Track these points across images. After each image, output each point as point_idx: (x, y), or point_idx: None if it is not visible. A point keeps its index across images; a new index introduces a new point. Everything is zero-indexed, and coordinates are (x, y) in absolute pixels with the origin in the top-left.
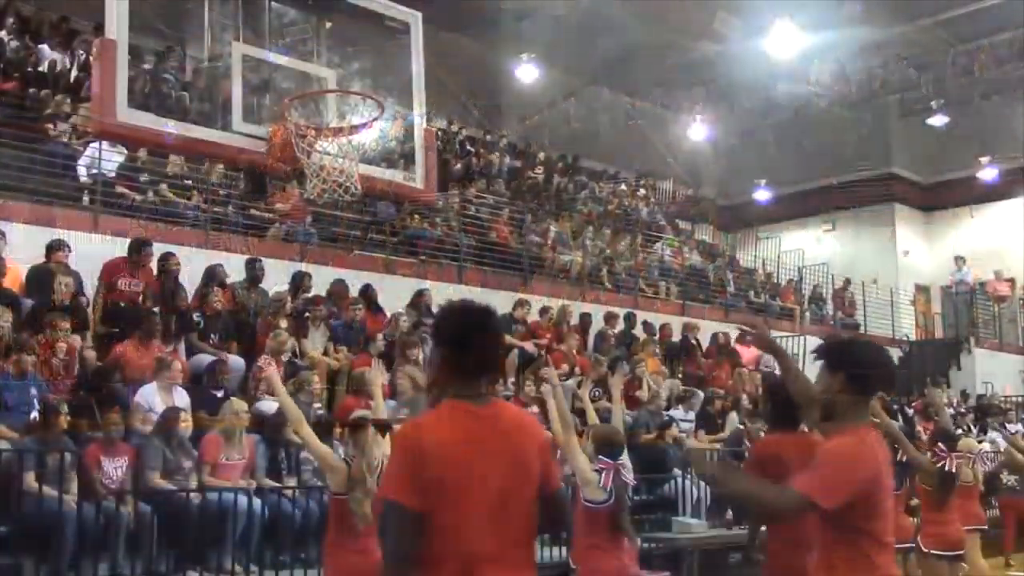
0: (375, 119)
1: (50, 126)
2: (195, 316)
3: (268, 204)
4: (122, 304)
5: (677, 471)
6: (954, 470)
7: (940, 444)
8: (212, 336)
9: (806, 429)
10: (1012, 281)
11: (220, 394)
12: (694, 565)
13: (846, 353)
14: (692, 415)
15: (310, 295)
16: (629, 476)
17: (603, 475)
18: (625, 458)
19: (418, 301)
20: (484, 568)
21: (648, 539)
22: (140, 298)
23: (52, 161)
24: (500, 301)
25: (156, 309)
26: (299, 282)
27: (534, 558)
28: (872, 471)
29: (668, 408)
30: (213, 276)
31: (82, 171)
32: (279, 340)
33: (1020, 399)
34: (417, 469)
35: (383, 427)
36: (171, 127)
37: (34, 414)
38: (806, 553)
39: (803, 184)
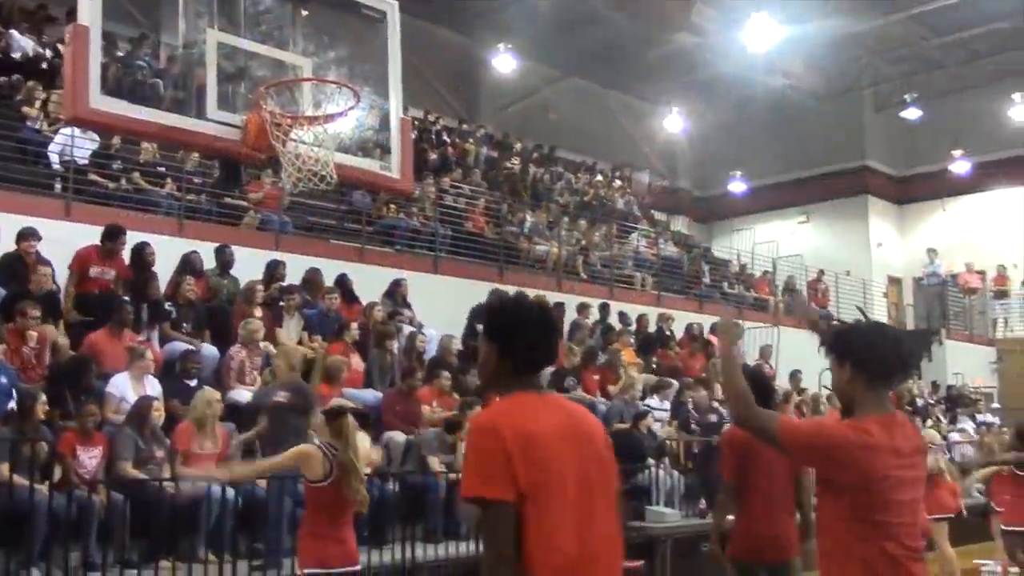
0: (351, 108)
1: (27, 109)
2: (168, 305)
3: (243, 193)
4: (95, 293)
5: (651, 460)
6: None
7: None
8: (185, 325)
9: None
10: (983, 273)
11: (193, 383)
12: (667, 554)
13: (849, 341)
14: (667, 404)
15: (284, 284)
16: None
17: None
18: None
19: (394, 291)
20: (583, 565)
21: (622, 528)
22: (112, 287)
23: (24, 148)
24: (475, 291)
25: (128, 298)
26: (273, 271)
27: (623, 554)
28: (854, 455)
29: (643, 398)
30: (188, 265)
31: (54, 158)
32: (250, 328)
33: (990, 390)
34: (510, 461)
35: (361, 416)
36: (145, 115)
37: (11, 404)
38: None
39: (778, 176)
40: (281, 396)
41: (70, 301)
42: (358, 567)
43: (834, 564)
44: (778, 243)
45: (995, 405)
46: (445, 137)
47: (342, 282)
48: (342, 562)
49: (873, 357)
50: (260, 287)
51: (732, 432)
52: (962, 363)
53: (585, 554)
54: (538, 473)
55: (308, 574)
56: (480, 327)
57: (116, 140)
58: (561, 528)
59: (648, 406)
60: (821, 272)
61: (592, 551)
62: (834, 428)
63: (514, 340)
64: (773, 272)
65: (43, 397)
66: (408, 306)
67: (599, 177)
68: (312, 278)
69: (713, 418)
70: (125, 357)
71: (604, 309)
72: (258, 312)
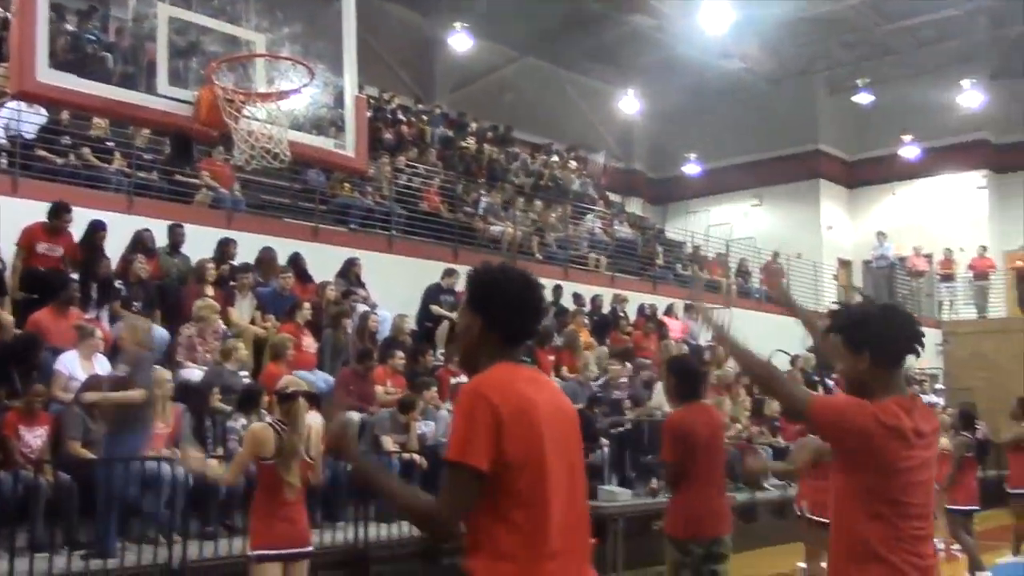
0: (305, 85)
1: None
2: (118, 284)
3: (194, 170)
4: (41, 270)
5: (604, 440)
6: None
7: None
8: (135, 304)
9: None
10: (930, 257)
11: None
12: (619, 532)
13: (867, 329)
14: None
15: (236, 263)
16: None
17: None
18: None
19: (348, 270)
20: (570, 534)
21: None
22: (61, 264)
23: None
24: (430, 271)
25: (77, 276)
26: (224, 249)
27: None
28: (882, 440)
29: (597, 379)
30: (139, 243)
31: (0, 132)
32: (204, 307)
33: (935, 371)
34: (500, 431)
35: (312, 398)
36: (93, 89)
37: None
38: None
39: (732, 159)
40: (121, 371)
41: (16, 278)
42: (309, 548)
43: (843, 540)
44: (732, 225)
45: (939, 386)
46: (400, 116)
47: (296, 261)
48: (291, 543)
49: (891, 342)
50: (211, 266)
51: (672, 417)
52: None
53: (570, 525)
54: (530, 443)
55: (257, 555)
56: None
57: (65, 115)
58: (554, 498)
59: (604, 392)
60: (776, 254)
61: (574, 523)
62: (865, 411)
63: (500, 311)
64: (726, 254)
65: None
66: (362, 285)
67: (555, 158)
68: (265, 257)
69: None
70: (71, 335)
71: (558, 290)
72: (210, 291)
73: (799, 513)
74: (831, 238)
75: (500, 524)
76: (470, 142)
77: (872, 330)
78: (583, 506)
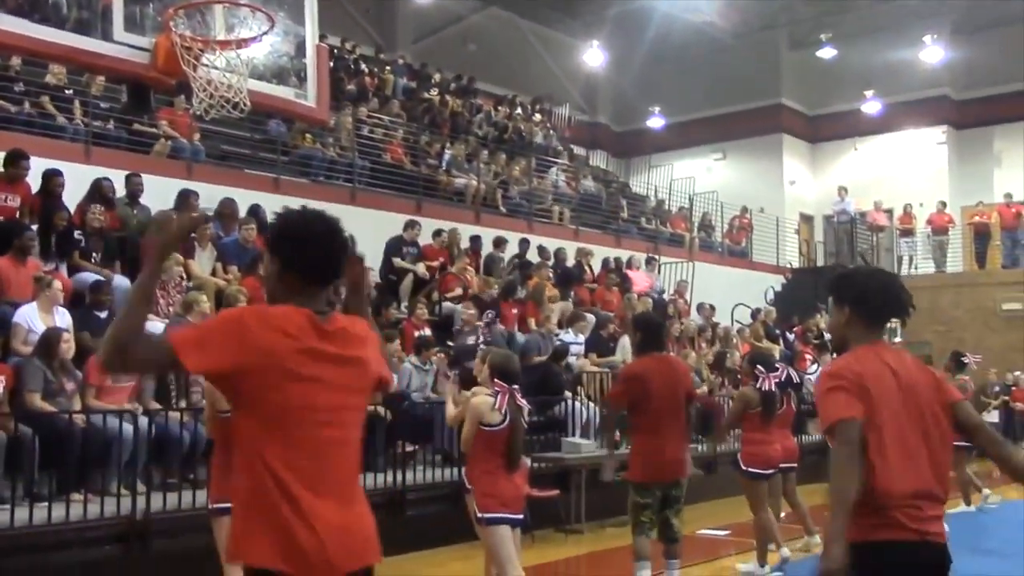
0: (265, 33)
1: None
2: (76, 234)
3: (152, 119)
4: None
5: (567, 393)
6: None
7: (758, 366)
8: (95, 255)
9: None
10: (890, 212)
11: (104, 315)
12: (582, 483)
13: (848, 285)
14: (582, 339)
15: (196, 214)
16: (523, 401)
17: (498, 398)
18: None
19: None
20: (323, 489)
21: (538, 459)
22: (17, 214)
23: None
24: (393, 224)
25: (34, 226)
26: (185, 200)
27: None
28: (855, 381)
29: (560, 327)
30: (97, 192)
31: None
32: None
33: (893, 325)
34: (224, 333)
35: None
36: (47, 35)
37: None
38: None
39: (695, 113)
40: None
41: None
42: None
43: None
44: (695, 179)
45: (897, 339)
46: (362, 66)
47: (256, 213)
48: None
49: (869, 301)
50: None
51: (629, 365)
52: None
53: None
54: (264, 364)
55: (217, 508)
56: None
57: (16, 60)
58: (307, 426)
59: (563, 340)
60: (744, 209)
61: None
62: (838, 380)
63: (295, 253)
64: (690, 208)
65: None
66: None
67: (519, 110)
68: (226, 208)
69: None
70: (30, 286)
71: (524, 244)
72: None
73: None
74: (793, 193)
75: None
76: (433, 93)
77: (855, 288)
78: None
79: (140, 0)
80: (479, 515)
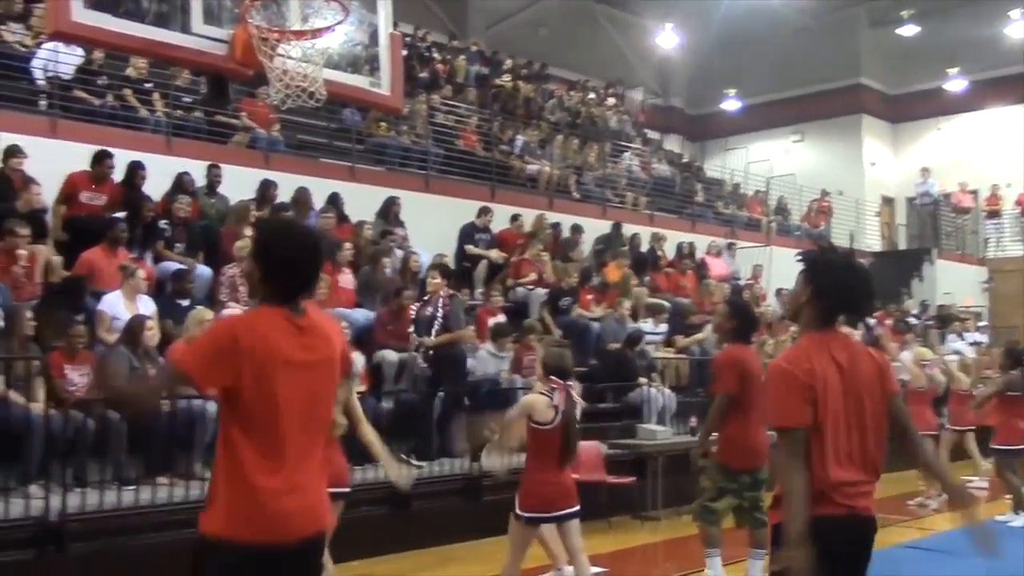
0: (339, 23)
1: (3, 27)
2: (162, 224)
3: (233, 110)
4: (84, 217)
5: (643, 379)
6: None
7: None
8: (178, 245)
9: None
10: (975, 193)
11: (186, 303)
12: (658, 470)
13: (820, 268)
14: (663, 328)
15: (277, 203)
16: (578, 397)
17: (554, 394)
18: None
19: (388, 209)
20: (290, 464)
21: (614, 446)
22: (103, 212)
23: (7, 64)
24: (466, 210)
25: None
26: (266, 190)
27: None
28: (805, 383)
29: (635, 318)
30: (180, 184)
31: (38, 73)
32: (243, 248)
33: (979, 310)
34: (226, 351)
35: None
36: (129, 28)
37: None
38: None
39: (772, 94)
40: None
41: (58, 222)
42: (346, 488)
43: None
44: (771, 162)
45: (983, 324)
46: (435, 54)
47: (334, 201)
48: (331, 483)
49: (831, 295)
50: (253, 207)
51: (729, 352)
52: (952, 283)
53: (302, 452)
54: (254, 366)
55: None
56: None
57: (99, 55)
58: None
59: (640, 330)
60: (824, 192)
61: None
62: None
63: (272, 265)
64: (766, 191)
65: (29, 314)
66: (401, 224)
67: (591, 95)
68: (301, 197)
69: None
70: (119, 275)
71: (618, 227)
72: (249, 232)
73: None
74: (874, 175)
75: None
76: (505, 80)
77: (821, 271)
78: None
79: None
80: (516, 510)
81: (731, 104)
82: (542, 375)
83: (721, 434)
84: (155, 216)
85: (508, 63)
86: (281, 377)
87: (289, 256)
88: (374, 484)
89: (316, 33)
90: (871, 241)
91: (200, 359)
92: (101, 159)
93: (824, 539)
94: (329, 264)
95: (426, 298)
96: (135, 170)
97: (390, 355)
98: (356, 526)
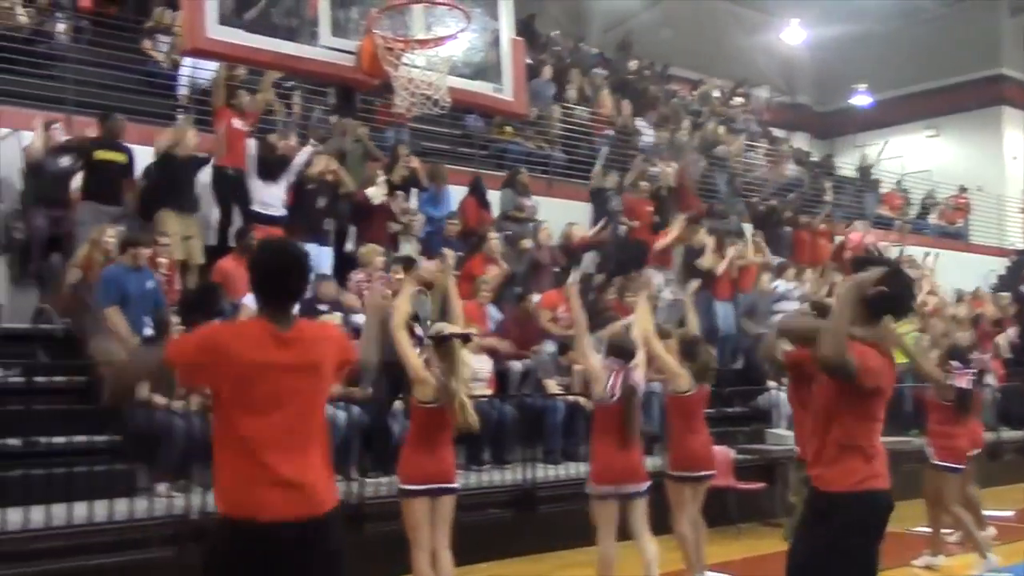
0: (462, 30)
1: (148, 43)
2: None
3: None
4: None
5: (771, 383)
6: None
7: (952, 362)
8: None
9: None
10: None
11: (324, 307)
12: (788, 476)
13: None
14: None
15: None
16: (640, 378)
17: (612, 376)
18: (640, 360)
19: (513, 180)
20: (270, 456)
21: (743, 451)
22: None
23: (152, 80)
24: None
25: None
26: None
27: (322, 454)
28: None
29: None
30: None
31: (183, 89)
32: (367, 252)
33: None
34: (210, 355)
35: (464, 338)
36: (261, 43)
37: (147, 331)
38: None
39: (905, 88)
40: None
41: None
42: (454, 484)
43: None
44: (905, 158)
45: None
46: (559, 53)
47: (477, 186)
48: (438, 479)
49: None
50: None
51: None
52: None
53: (278, 445)
54: (232, 372)
55: (406, 490)
56: None
57: (241, 70)
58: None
59: (778, 290)
60: (962, 188)
61: (286, 444)
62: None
63: (255, 278)
64: (900, 189)
65: (177, 321)
66: (528, 194)
67: (716, 93)
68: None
69: None
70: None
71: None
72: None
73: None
74: (1016, 169)
75: None
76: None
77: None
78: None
79: (345, 5)
80: (588, 487)
81: (861, 99)
82: (603, 356)
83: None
84: None
85: (632, 64)
86: (259, 380)
87: (269, 271)
88: (500, 487)
89: (440, 41)
90: (1014, 238)
91: (185, 359)
92: None
93: (879, 513)
94: (480, 257)
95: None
96: None
97: (516, 364)
98: (481, 528)
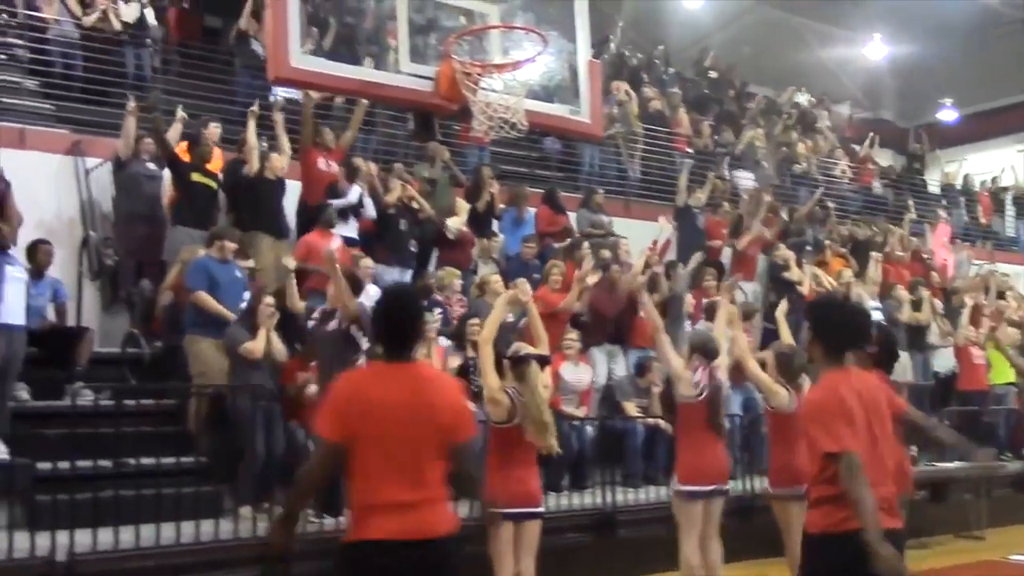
0: (539, 53)
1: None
2: None
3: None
4: None
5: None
6: None
7: None
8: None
9: None
10: None
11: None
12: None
13: (813, 312)
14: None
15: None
16: (724, 377)
17: (696, 374)
18: (723, 361)
19: (588, 200)
20: (391, 508)
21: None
22: None
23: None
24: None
25: None
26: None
27: (441, 495)
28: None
29: None
30: None
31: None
32: (445, 275)
33: None
34: (342, 408)
35: (542, 360)
36: (343, 71)
37: (243, 304)
38: None
39: (992, 102)
40: None
41: None
42: (540, 508)
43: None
44: (993, 175)
45: None
46: (640, 75)
47: (552, 195)
48: (523, 503)
49: (830, 330)
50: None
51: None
52: None
53: (396, 494)
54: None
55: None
56: None
57: (339, 100)
58: (376, 466)
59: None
60: None
61: (404, 493)
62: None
63: (376, 328)
64: (992, 205)
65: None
66: (604, 211)
67: (802, 99)
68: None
69: None
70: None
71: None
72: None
73: None
74: None
75: None
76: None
77: (816, 316)
78: (423, 475)
79: (423, 32)
80: (675, 486)
81: (947, 114)
82: (687, 357)
83: None
84: None
85: (712, 78)
86: (376, 418)
87: (385, 323)
88: (579, 511)
89: (517, 65)
90: None
91: (332, 424)
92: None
93: (856, 555)
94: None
95: None
96: None
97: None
98: (560, 553)
